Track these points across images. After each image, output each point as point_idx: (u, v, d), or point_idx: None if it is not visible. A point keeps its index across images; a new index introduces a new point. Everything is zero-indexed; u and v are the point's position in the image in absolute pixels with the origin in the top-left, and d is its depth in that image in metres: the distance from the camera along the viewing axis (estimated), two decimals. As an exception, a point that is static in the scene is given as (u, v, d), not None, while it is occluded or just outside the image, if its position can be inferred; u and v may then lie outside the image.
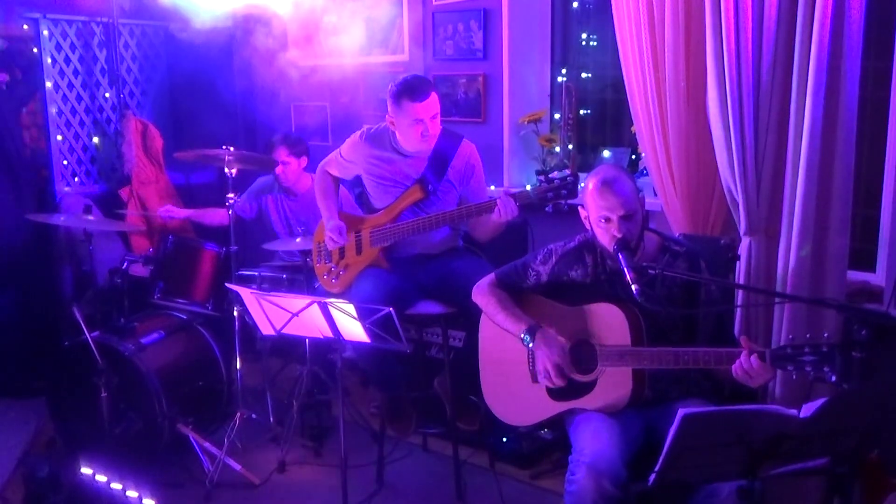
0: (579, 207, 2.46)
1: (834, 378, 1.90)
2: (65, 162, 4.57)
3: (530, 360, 2.49)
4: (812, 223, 2.74)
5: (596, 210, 2.34)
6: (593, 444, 2.19)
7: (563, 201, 2.76)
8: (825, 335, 1.99)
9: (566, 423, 2.43)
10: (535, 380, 2.47)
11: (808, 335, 2.01)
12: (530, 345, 2.40)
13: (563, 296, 2.47)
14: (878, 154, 2.95)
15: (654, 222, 3.35)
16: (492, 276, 2.62)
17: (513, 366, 2.53)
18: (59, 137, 4.52)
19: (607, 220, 2.31)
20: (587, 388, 2.35)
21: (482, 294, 2.59)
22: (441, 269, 3.09)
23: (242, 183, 3.95)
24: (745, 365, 2.06)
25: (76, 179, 4.66)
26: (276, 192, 4.05)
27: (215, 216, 4.16)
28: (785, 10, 2.69)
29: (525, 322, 2.43)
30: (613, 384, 2.30)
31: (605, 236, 2.34)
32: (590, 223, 2.41)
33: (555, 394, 2.42)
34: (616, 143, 3.93)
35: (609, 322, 2.32)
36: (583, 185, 2.46)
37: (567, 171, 2.75)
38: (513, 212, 2.78)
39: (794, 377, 2.00)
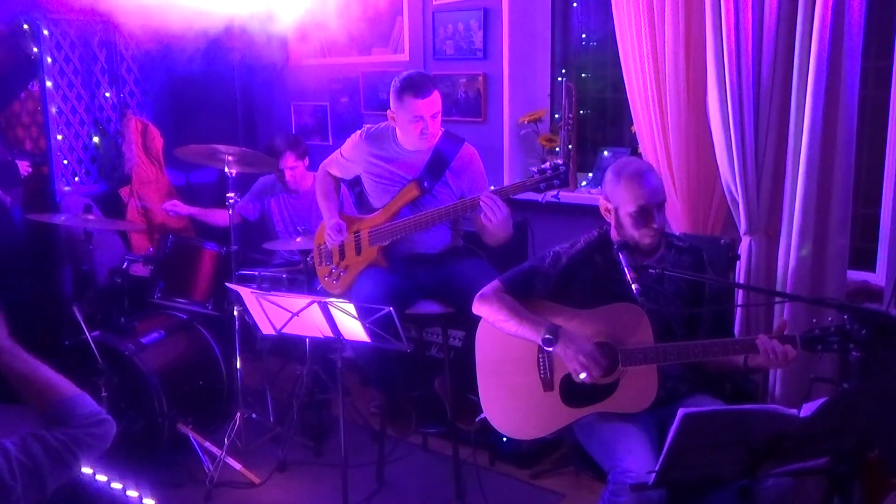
0: (601, 199, 2.40)
1: (856, 354, 1.92)
2: (65, 161, 4.57)
3: (541, 367, 2.37)
4: (812, 223, 2.75)
5: (633, 200, 2.27)
6: (636, 463, 2.07)
7: (556, 191, 2.76)
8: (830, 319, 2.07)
9: (576, 430, 2.37)
10: (547, 388, 2.36)
11: (814, 320, 2.06)
12: (552, 347, 2.27)
13: (572, 299, 2.39)
14: (878, 154, 2.95)
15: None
16: (496, 283, 2.47)
17: (519, 376, 2.40)
18: (60, 137, 4.52)
19: (644, 210, 2.26)
20: (608, 390, 2.27)
21: (488, 303, 2.42)
22: (441, 270, 3.09)
23: (243, 183, 3.95)
24: (768, 346, 2.08)
25: (76, 179, 4.66)
26: (279, 191, 4.05)
27: (219, 216, 4.16)
28: (785, 9, 2.69)
29: (543, 325, 2.29)
30: (637, 384, 2.24)
31: (637, 230, 2.29)
32: (616, 217, 2.34)
33: (571, 400, 2.32)
34: (616, 143, 3.93)
35: (629, 321, 2.26)
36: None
37: (559, 161, 2.76)
38: (501, 211, 2.74)
39: (821, 358, 2.07)
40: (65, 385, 1.57)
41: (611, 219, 2.39)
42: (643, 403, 2.24)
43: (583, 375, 2.24)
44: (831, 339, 2.01)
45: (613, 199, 2.35)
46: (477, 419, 3.00)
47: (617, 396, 2.26)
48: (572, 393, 2.32)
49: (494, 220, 2.75)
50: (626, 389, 2.25)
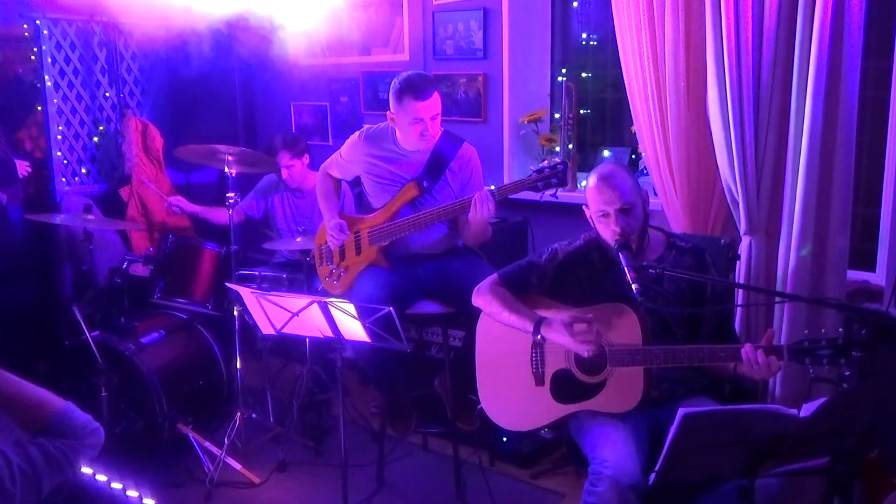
0: (583, 207, 2.45)
1: (848, 372, 1.91)
2: (65, 161, 4.57)
3: (534, 361, 2.43)
4: (812, 223, 2.75)
5: (595, 205, 2.34)
6: (614, 454, 2.11)
7: (554, 190, 2.77)
8: (829, 330, 2.00)
9: (570, 427, 2.40)
10: (539, 382, 2.42)
11: (806, 331, 2.03)
12: (539, 336, 2.34)
13: (567, 296, 2.42)
14: (878, 154, 2.95)
15: (654, 222, 3.34)
16: (494, 276, 2.55)
17: (514, 369, 2.46)
18: (60, 137, 4.52)
19: (605, 214, 2.31)
20: (595, 389, 2.31)
21: (483, 295, 2.51)
22: (441, 269, 3.09)
23: (242, 182, 3.95)
24: (751, 357, 2.06)
25: (76, 179, 4.66)
26: (283, 190, 4.05)
27: (222, 215, 4.16)
28: (785, 10, 2.69)
29: (532, 318, 2.38)
30: (624, 385, 2.26)
31: (606, 232, 2.34)
32: (592, 221, 2.41)
33: (561, 396, 2.37)
34: (616, 142, 3.94)
35: (619, 322, 2.28)
36: (584, 184, 2.46)
37: (557, 160, 2.77)
38: (489, 210, 2.78)
39: (811, 372, 2.01)
40: (53, 399, 1.59)
41: (591, 223, 2.43)
42: (628, 405, 2.26)
43: (586, 354, 2.28)
44: (821, 352, 1.97)
45: (587, 203, 2.41)
46: (476, 409, 3.04)
47: (604, 396, 2.30)
48: (562, 389, 2.38)
49: (480, 217, 2.79)
50: (612, 389, 2.29)
